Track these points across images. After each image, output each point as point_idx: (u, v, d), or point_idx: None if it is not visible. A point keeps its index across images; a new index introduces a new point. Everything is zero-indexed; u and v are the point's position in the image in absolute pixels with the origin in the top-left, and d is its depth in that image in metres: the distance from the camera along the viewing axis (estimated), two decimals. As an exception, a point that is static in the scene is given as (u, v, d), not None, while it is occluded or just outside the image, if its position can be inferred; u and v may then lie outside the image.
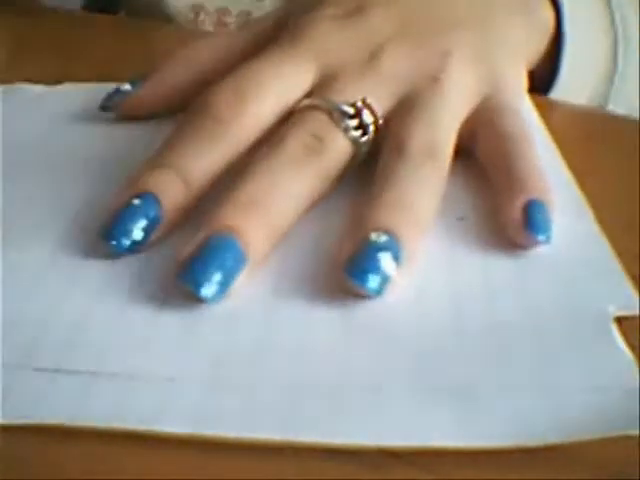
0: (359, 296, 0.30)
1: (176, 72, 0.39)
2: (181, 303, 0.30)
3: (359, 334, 0.29)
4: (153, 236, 0.32)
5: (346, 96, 0.34)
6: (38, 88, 0.44)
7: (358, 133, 0.34)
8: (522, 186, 0.33)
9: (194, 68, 0.39)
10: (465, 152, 0.36)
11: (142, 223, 0.31)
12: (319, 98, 0.35)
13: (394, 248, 0.30)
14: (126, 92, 0.39)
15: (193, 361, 0.28)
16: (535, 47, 0.42)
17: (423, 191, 0.33)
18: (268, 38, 0.38)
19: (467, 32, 0.38)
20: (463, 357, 0.28)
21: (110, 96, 0.40)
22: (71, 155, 0.38)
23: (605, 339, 0.28)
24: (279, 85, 0.35)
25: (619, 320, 0.29)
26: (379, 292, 0.30)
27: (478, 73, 0.37)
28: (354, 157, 0.34)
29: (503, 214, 0.33)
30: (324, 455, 0.25)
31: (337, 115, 0.34)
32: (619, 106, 0.45)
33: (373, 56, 0.36)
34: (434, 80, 0.36)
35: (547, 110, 0.41)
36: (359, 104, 0.34)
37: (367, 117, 0.34)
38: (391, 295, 0.30)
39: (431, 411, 0.26)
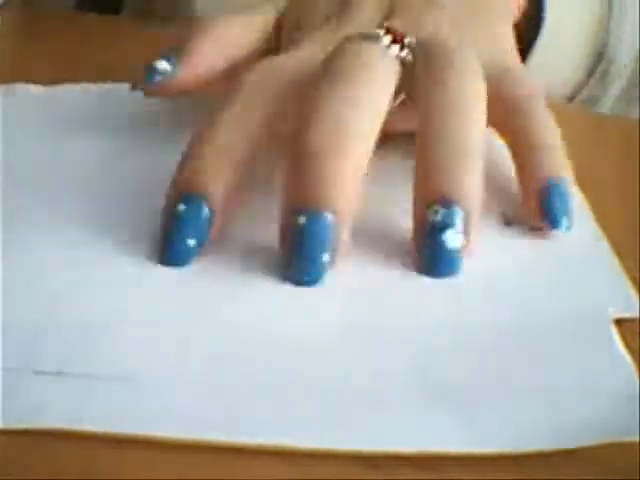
0: (359, 295, 0.30)
1: (208, 52, 0.38)
2: (181, 305, 0.30)
3: (359, 334, 0.29)
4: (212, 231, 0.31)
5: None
6: (38, 88, 0.44)
7: (396, 48, 0.34)
8: (537, 166, 0.33)
9: (224, 49, 0.38)
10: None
11: (194, 229, 0.31)
12: (350, 34, 0.34)
13: (453, 220, 0.30)
14: (164, 72, 0.37)
15: (193, 363, 0.28)
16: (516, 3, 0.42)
17: (472, 127, 0.32)
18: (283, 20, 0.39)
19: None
20: (463, 359, 0.28)
21: (147, 76, 0.37)
22: (70, 155, 0.38)
23: (604, 342, 0.28)
24: (302, 56, 0.35)
25: (619, 322, 0.29)
26: (457, 269, 0.30)
27: (476, 37, 0.37)
28: (399, 79, 0.34)
29: (522, 202, 0.33)
30: (324, 455, 0.25)
31: (371, 36, 0.34)
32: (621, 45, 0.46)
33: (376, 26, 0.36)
34: (438, 34, 0.36)
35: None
36: (385, 24, 0.35)
37: (398, 32, 0.34)
38: (391, 294, 0.30)
39: (430, 415, 0.26)
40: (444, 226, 0.30)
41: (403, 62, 0.34)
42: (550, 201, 0.32)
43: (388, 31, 0.34)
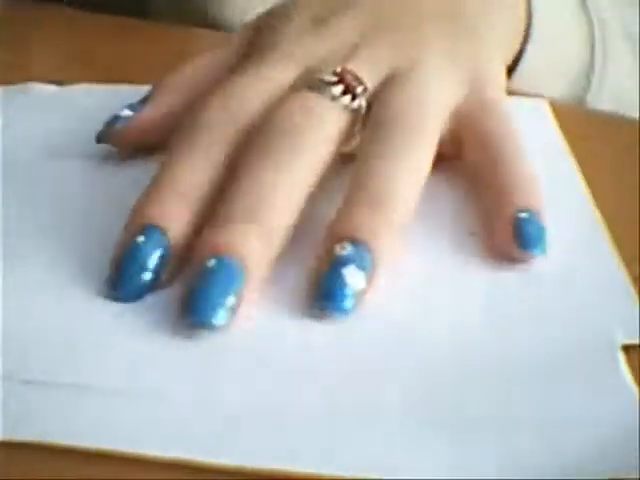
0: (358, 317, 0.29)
1: (170, 98, 0.37)
2: (175, 319, 0.29)
3: (355, 355, 0.28)
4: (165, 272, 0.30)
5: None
6: (52, 88, 0.44)
7: (347, 99, 0.33)
8: (509, 197, 0.32)
9: (186, 93, 0.37)
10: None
11: (150, 263, 0.29)
12: (298, 81, 0.34)
13: (359, 258, 0.29)
14: (127, 117, 0.36)
15: (182, 379, 0.27)
16: (511, 44, 0.41)
17: (402, 175, 0.31)
18: (251, 46, 0.38)
19: (443, 26, 0.37)
20: (462, 386, 0.27)
21: (109, 123, 0.37)
22: (74, 157, 0.38)
23: (609, 370, 0.27)
24: (261, 86, 0.34)
25: (627, 348, 0.28)
26: (349, 310, 0.29)
27: (459, 65, 0.36)
28: (351, 128, 0.33)
29: (494, 230, 0.32)
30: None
31: (320, 85, 0.33)
32: (602, 102, 0.46)
33: (351, 49, 0.35)
34: (415, 62, 0.35)
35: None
36: (339, 69, 0.33)
37: (351, 80, 0.33)
38: (393, 314, 0.29)
39: (423, 443, 0.25)
40: (347, 261, 0.29)
41: (356, 110, 0.33)
42: (522, 232, 0.31)
43: (341, 78, 0.33)
